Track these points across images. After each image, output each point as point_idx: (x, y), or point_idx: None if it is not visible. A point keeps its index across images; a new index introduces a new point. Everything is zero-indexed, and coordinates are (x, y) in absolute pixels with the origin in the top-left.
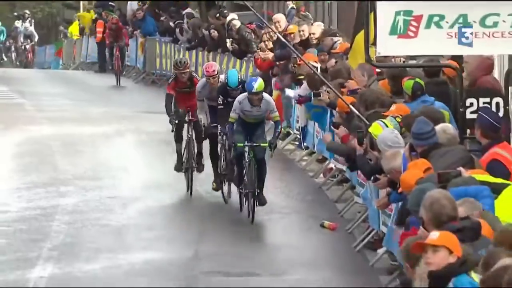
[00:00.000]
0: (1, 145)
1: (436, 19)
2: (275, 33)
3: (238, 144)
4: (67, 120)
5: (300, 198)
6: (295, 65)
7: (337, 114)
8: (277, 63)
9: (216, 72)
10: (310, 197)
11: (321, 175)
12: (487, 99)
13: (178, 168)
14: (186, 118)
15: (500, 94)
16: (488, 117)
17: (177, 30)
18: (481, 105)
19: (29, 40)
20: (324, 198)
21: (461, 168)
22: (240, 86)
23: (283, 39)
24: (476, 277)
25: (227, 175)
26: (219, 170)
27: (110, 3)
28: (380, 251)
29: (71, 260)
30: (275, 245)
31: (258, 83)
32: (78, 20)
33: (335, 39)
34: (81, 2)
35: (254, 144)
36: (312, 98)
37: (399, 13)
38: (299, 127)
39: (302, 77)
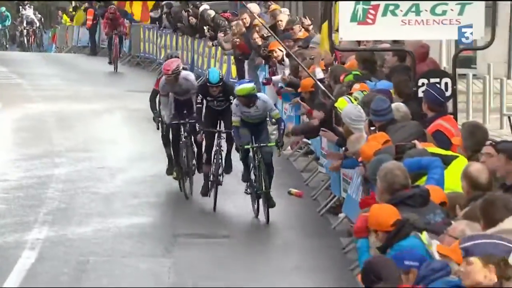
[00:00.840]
0: (1, 121)
1: (391, 7)
2: (251, 13)
3: (246, 146)
4: (61, 99)
5: None
6: (265, 48)
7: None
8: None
9: (170, 72)
10: (279, 167)
11: (289, 147)
12: (437, 80)
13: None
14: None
15: (448, 75)
16: (433, 92)
17: (164, 16)
18: None
19: (30, 26)
20: (291, 168)
21: (416, 141)
22: (220, 84)
23: (259, 20)
24: (425, 238)
25: (216, 181)
26: (209, 175)
27: None
28: (341, 215)
29: (64, 224)
30: (246, 211)
31: (240, 87)
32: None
33: (306, 22)
34: None
35: (262, 144)
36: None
37: (358, 2)
38: None
39: (271, 50)
